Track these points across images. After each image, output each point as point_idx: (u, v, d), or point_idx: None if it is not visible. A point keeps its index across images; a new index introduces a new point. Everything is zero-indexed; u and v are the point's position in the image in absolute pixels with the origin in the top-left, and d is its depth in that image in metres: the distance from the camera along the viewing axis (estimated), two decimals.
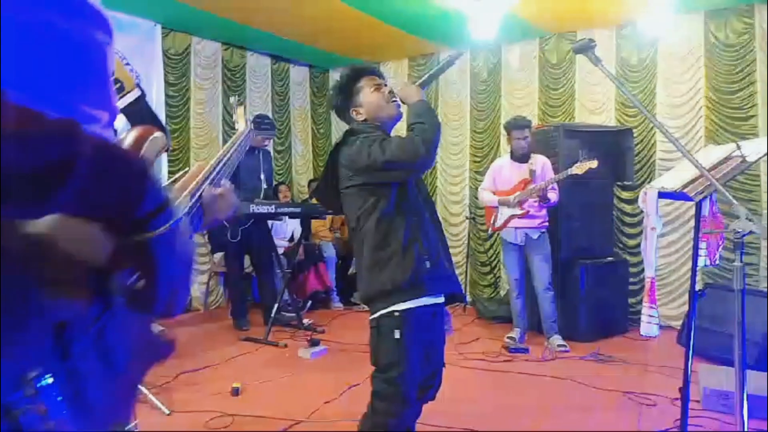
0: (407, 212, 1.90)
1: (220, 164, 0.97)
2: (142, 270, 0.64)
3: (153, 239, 0.60)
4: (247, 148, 1.18)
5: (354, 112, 2.05)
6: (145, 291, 0.64)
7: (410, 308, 1.85)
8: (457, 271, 6.35)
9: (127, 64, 4.95)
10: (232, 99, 1.54)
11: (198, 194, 0.82)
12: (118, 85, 3.23)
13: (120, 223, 0.59)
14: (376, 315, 1.89)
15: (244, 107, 1.37)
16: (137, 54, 5.04)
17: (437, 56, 6.26)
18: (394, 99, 2.02)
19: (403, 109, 2.07)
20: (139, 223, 0.59)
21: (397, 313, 1.84)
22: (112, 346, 0.64)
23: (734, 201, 1.31)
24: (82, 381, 0.59)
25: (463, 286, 5.91)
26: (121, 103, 3.10)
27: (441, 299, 1.99)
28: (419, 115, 1.91)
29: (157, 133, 0.76)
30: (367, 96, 2.03)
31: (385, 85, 2.07)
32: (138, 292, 0.65)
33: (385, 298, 1.87)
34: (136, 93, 3.30)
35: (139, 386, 2.54)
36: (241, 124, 1.27)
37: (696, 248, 2.05)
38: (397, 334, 1.83)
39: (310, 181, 6.74)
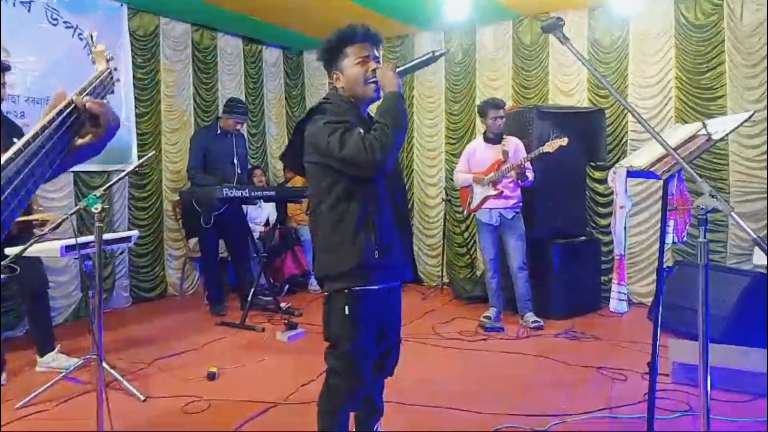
0: (363, 199, 1.88)
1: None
2: None
3: None
4: (107, 93, 1.00)
5: (334, 76, 2.00)
6: None
7: (360, 287, 1.89)
8: (433, 253, 6.36)
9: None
10: (86, 32, 1.34)
11: (59, 119, 0.74)
12: None
13: None
14: (328, 292, 1.94)
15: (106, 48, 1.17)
16: (102, 35, 4.87)
17: (412, 38, 6.21)
18: (374, 80, 1.94)
19: None
20: None
21: (347, 291, 1.89)
22: None
23: (699, 178, 1.34)
24: None
25: (440, 268, 5.98)
26: None
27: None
28: (385, 114, 1.85)
29: None
30: (349, 67, 1.95)
31: (374, 60, 1.97)
32: None
33: (334, 280, 1.92)
34: None
35: (102, 355, 2.46)
36: (101, 65, 1.09)
37: (663, 226, 2.09)
38: (346, 310, 1.87)
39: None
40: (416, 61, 1.99)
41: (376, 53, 1.99)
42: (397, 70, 1.93)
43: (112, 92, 1.05)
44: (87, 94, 0.89)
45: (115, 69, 1.14)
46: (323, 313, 1.95)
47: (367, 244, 1.86)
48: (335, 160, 1.83)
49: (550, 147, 4.12)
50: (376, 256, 1.86)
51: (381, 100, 1.92)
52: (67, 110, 0.76)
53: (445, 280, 5.93)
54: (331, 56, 1.99)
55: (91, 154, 0.82)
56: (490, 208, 4.41)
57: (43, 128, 0.71)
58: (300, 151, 1.97)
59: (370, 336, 1.94)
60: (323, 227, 1.92)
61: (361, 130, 1.84)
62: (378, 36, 2.02)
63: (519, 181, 4.31)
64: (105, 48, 1.16)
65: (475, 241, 5.83)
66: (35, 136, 0.70)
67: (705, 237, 1.43)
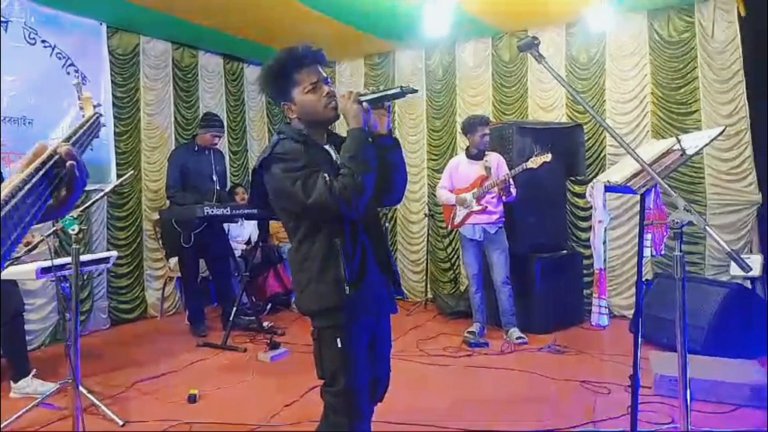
0: (329, 235, 1.78)
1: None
2: None
3: None
4: (93, 138, 1.05)
5: (285, 108, 1.85)
6: None
7: (343, 323, 1.81)
8: (417, 269, 6.33)
9: (71, 64, 4.78)
10: (74, 81, 1.43)
11: (41, 173, 0.71)
12: None
13: None
14: (315, 327, 1.87)
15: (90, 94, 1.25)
16: (82, 54, 4.86)
17: (392, 55, 6.27)
18: (332, 101, 1.82)
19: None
20: None
21: (333, 326, 1.82)
22: None
23: (673, 193, 1.36)
24: None
25: (423, 284, 5.97)
26: None
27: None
28: (353, 158, 1.73)
29: None
30: (300, 95, 1.81)
31: (325, 82, 1.84)
32: None
33: (316, 317, 1.86)
34: None
35: (79, 379, 2.42)
36: (88, 110, 1.16)
37: (641, 239, 2.12)
38: (339, 343, 1.79)
39: None
40: (381, 94, 1.82)
41: (324, 73, 1.87)
42: (360, 99, 1.80)
43: (98, 136, 1.07)
44: (75, 140, 0.88)
45: (97, 106, 1.16)
46: (314, 350, 1.87)
47: (336, 281, 1.77)
48: (303, 208, 1.74)
49: (534, 163, 4.15)
50: (347, 291, 1.76)
51: (346, 133, 1.80)
52: (51, 162, 0.73)
53: (429, 296, 5.92)
54: (277, 86, 1.84)
55: (57, 214, 0.78)
56: (474, 224, 4.43)
57: (25, 181, 0.67)
58: (265, 192, 1.86)
59: (364, 367, 1.86)
60: (294, 265, 1.88)
61: (326, 175, 1.72)
62: (323, 54, 1.86)
63: (503, 197, 4.33)
64: (91, 95, 1.21)
65: (458, 257, 5.84)
66: (17, 189, 0.65)
67: (681, 250, 1.45)
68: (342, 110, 1.81)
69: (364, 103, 1.80)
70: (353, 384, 1.82)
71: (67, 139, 0.84)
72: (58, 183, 0.74)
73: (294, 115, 1.85)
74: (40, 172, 0.70)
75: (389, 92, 1.81)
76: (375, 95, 1.82)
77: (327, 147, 1.90)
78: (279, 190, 1.78)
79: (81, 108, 1.19)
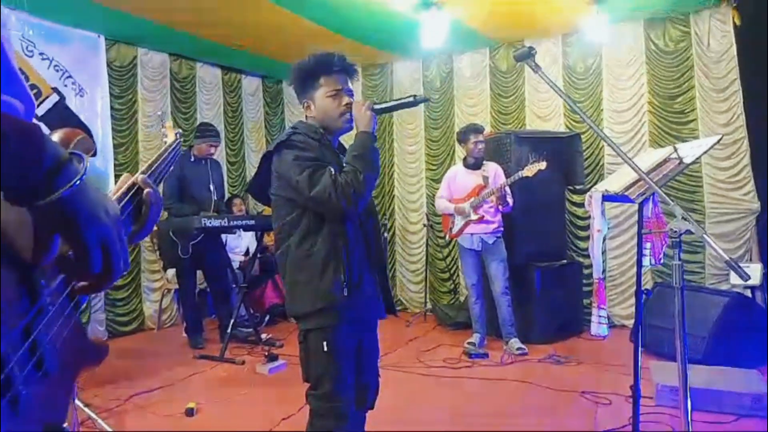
0: (331, 234, 1.83)
1: (149, 173, 0.93)
2: (63, 233, 0.58)
3: (63, 199, 0.55)
4: (175, 160, 1.18)
5: (305, 104, 1.95)
6: (76, 253, 0.59)
7: (333, 325, 1.83)
8: (416, 279, 6.31)
9: (69, 77, 4.78)
10: (159, 113, 1.55)
11: (126, 199, 0.79)
12: (35, 90, 3.16)
13: (19, 190, 0.54)
14: (303, 330, 1.88)
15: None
16: (80, 66, 4.86)
17: (390, 66, 6.30)
18: (348, 114, 1.90)
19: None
20: (42, 184, 0.54)
21: (321, 329, 1.84)
22: (42, 344, 0.60)
23: (670, 201, 1.35)
24: (9, 384, 0.54)
25: (423, 294, 5.95)
26: (40, 110, 3.03)
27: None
28: (358, 158, 1.82)
29: (82, 136, 0.73)
30: (320, 99, 1.91)
31: (347, 93, 1.93)
32: (68, 259, 0.61)
33: (306, 319, 1.87)
34: (54, 98, 3.25)
35: (75, 392, 2.43)
36: (170, 137, 1.29)
37: (640, 248, 2.11)
38: (325, 347, 1.81)
39: None
40: (395, 103, 1.94)
41: (350, 86, 1.95)
42: (375, 107, 1.89)
43: (178, 158, 1.22)
44: (155, 167, 0.98)
45: (177, 132, 1.34)
46: (300, 353, 1.89)
47: (336, 279, 1.80)
48: (304, 198, 1.80)
49: (528, 171, 4.16)
50: (345, 293, 1.80)
51: (354, 137, 1.89)
52: (133, 190, 0.80)
53: (428, 306, 5.90)
54: (303, 83, 1.94)
55: (136, 239, 0.84)
56: (472, 233, 4.42)
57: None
58: (266, 181, 1.93)
59: (350, 373, 1.88)
60: (290, 264, 1.87)
61: (332, 170, 1.79)
62: (354, 67, 1.97)
63: (499, 207, 4.33)
64: (173, 124, 1.38)
65: (457, 266, 5.82)
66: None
67: (680, 259, 1.44)
68: (355, 116, 1.89)
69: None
70: (338, 388, 1.83)
71: (147, 168, 0.93)
72: (138, 210, 0.81)
73: (311, 113, 1.94)
74: (125, 199, 0.77)
75: (403, 101, 1.93)
76: (389, 104, 1.95)
77: (338, 151, 1.98)
78: (285, 176, 1.83)
79: (165, 135, 1.34)
